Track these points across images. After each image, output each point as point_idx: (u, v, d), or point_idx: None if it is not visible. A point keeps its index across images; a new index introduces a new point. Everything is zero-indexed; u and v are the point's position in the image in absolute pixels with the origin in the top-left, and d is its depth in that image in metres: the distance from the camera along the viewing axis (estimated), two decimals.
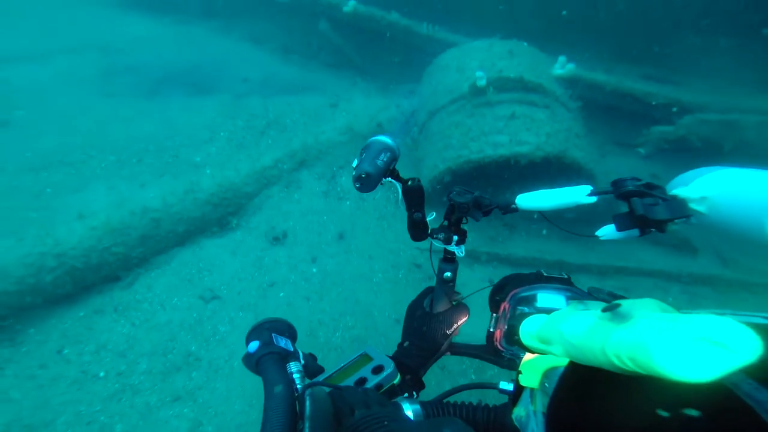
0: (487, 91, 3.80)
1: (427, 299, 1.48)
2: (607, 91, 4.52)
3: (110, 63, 6.25)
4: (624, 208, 1.15)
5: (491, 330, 1.17)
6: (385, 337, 3.17)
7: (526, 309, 1.07)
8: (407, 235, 1.36)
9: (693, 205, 1.13)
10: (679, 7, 4.48)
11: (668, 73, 4.76)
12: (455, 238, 1.33)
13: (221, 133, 4.81)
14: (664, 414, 0.50)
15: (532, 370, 0.83)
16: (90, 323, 3.22)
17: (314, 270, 3.62)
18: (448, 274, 1.39)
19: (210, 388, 2.88)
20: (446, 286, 1.41)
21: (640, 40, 4.84)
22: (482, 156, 3.59)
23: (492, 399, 1.27)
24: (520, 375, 0.85)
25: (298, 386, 1.16)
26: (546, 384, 0.80)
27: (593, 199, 1.21)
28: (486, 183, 3.86)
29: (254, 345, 1.26)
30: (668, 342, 0.46)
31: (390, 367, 1.27)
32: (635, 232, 1.14)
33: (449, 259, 1.39)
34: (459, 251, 1.35)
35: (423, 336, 1.40)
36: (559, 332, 0.63)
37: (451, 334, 1.40)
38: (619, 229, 1.16)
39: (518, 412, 0.88)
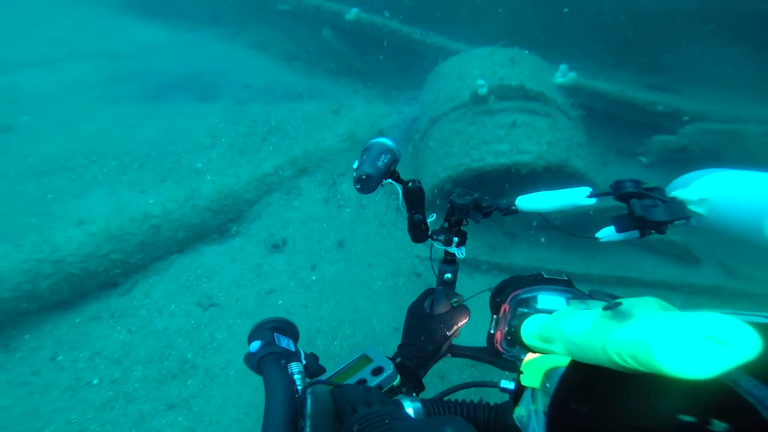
0: (489, 99, 3.81)
1: (427, 301, 1.47)
2: (608, 99, 4.52)
3: (116, 69, 6.32)
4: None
5: (492, 332, 1.17)
6: (384, 346, 3.13)
7: (526, 310, 1.06)
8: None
9: (692, 207, 1.14)
10: (681, 16, 4.50)
11: (670, 81, 4.77)
12: (455, 239, 1.34)
13: (223, 139, 4.82)
14: (665, 414, 0.50)
15: (533, 370, 0.83)
16: (86, 330, 3.19)
17: (313, 277, 3.59)
18: (449, 275, 1.40)
19: (206, 396, 2.83)
20: (447, 288, 1.42)
21: (642, 49, 4.86)
22: (483, 164, 3.58)
23: (493, 398, 1.26)
24: (521, 375, 0.85)
25: (299, 386, 1.16)
26: (547, 384, 0.80)
27: (593, 200, 1.21)
28: (487, 192, 3.83)
29: (256, 345, 1.26)
30: (669, 339, 0.46)
31: (390, 368, 1.28)
32: (635, 233, 1.14)
33: (449, 260, 1.40)
34: (459, 253, 1.36)
35: (423, 337, 1.39)
36: (561, 331, 0.64)
37: (451, 335, 1.40)
38: (618, 230, 1.16)
39: (519, 411, 0.88)
